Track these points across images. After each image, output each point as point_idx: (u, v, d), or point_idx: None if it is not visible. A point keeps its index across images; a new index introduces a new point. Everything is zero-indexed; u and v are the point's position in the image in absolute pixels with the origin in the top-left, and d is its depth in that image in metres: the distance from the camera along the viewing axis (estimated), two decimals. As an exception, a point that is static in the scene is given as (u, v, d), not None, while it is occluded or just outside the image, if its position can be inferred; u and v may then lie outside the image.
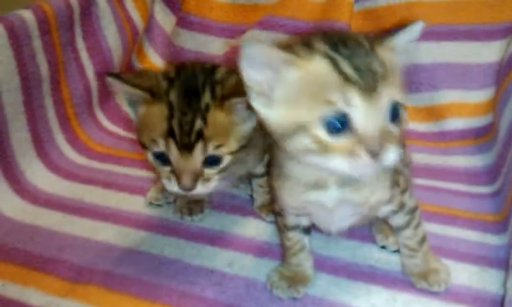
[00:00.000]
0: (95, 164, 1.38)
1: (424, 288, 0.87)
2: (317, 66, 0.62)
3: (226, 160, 0.89)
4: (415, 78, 1.45)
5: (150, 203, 1.17)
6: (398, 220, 0.85)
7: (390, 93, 0.62)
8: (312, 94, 0.62)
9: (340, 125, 0.61)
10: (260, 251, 1.00)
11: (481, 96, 1.41)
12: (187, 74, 0.90)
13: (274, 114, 0.65)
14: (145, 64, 1.76)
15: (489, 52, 1.42)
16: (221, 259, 0.98)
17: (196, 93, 0.86)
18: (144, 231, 1.08)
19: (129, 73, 0.89)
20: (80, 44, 1.46)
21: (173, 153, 0.86)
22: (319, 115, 0.61)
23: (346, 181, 0.73)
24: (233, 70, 0.93)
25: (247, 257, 0.99)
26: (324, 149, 0.62)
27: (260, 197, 1.12)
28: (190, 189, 0.88)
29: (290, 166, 0.75)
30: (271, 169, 0.82)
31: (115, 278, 0.94)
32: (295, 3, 1.61)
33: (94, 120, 1.53)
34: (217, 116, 0.85)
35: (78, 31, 1.44)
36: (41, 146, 1.32)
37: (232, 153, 0.88)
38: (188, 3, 1.74)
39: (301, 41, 0.65)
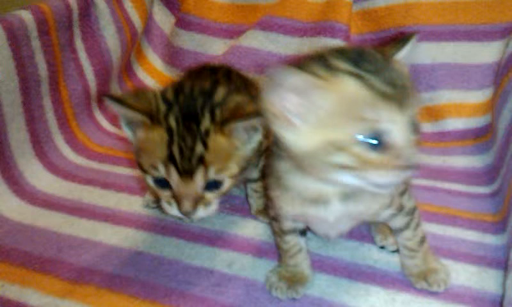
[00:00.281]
0: (94, 165, 1.38)
1: (423, 288, 0.87)
2: (346, 86, 0.61)
3: (227, 183, 0.88)
4: (414, 78, 1.45)
5: (147, 206, 1.17)
6: (397, 222, 0.85)
7: (414, 105, 0.64)
8: (346, 114, 0.61)
9: (377, 140, 0.61)
10: (260, 251, 1.00)
11: (480, 96, 1.41)
12: (185, 97, 0.89)
13: (304, 139, 0.64)
14: (144, 65, 1.77)
15: (488, 53, 1.43)
16: (220, 259, 0.98)
17: (195, 117, 0.85)
18: (144, 231, 1.08)
19: (128, 94, 0.88)
20: (79, 45, 1.46)
21: (174, 178, 0.85)
22: (357, 133, 0.61)
23: (349, 195, 0.73)
24: (233, 89, 0.94)
25: (246, 257, 0.99)
26: (363, 165, 0.62)
27: (255, 203, 1.11)
28: (191, 214, 0.87)
29: (291, 179, 0.75)
30: (268, 178, 0.81)
31: (114, 279, 0.94)
32: (294, 4, 1.61)
33: (93, 121, 1.53)
34: (217, 141, 0.84)
35: (77, 32, 1.45)
36: (40, 146, 1.32)
37: (233, 176, 0.88)
38: (187, 3, 1.74)
39: (317, 62, 0.64)
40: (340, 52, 0.65)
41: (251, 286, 0.91)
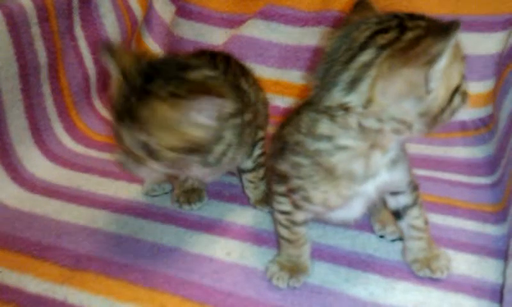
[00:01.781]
0: (93, 153, 1.37)
1: (425, 276, 0.87)
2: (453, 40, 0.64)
3: (166, 154, 0.84)
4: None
5: (147, 193, 1.16)
6: (406, 198, 0.85)
7: None
8: (456, 59, 0.68)
9: None
10: (259, 239, 1.00)
11: (481, 87, 1.41)
12: (161, 61, 0.90)
13: (434, 98, 0.66)
14: (144, 54, 1.76)
15: (489, 44, 1.42)
16: (219, 247, 0.98)
17: (151, 78, 0.84)
18: (143, 219, 1.08)
19: (125, 51, 0.89)
20: (79, 32, 1.45)
21: (114, 122, 0.87)
22: (462, 73, 0.69)
23: (394, 162, 0.76)
24: (220, 76, 0.94)
25: (245, 245, 0.98)
26: (465, 99, 0.70)
27: (252, 193, 1.11)
28: (127, 167, 0.89)
29: (344, 160, 0.73)
30: (292, 169, 0.78)
31: (113, 265, 0.94)
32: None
33: (92, 109, 1.52)
34: (159, 108, 0.81)
35: (77, 19, 1.44)
36: (39, 134, 1.32)
37: (174, 150, 0.84)
38: (188, -8, 1.73)
39: (423, 32, 0.65)
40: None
41: (251, 273, 0.91)
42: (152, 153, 0.84)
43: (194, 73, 0.87)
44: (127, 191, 1.18)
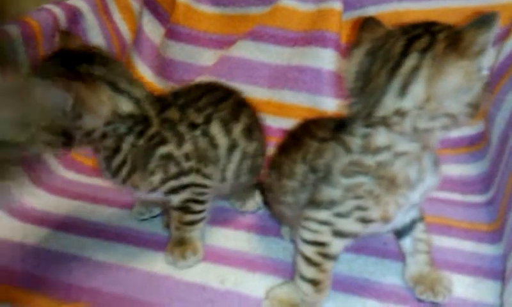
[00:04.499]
0: (83, 179, 1.35)
1: (428, 299, 0.86)
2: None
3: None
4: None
5: (135, 218, 1.15)
6: (416, 212, 0.87)
7: None
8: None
9: None
10: (253, 265, 0.98)
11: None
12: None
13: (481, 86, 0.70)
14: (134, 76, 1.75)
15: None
16: (212, 275, 0.96)
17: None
18: (134, 246, 1.06)
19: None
20: (68, 57, 1.44)
21: None
22: None
23: (436, 163, 0.81)
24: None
25: (239, 272, 0.97)
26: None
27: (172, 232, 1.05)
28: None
29: (400, 166, 0.75)
30: (336, 195, 0.78)
31: (104, 296, 0.92)
32: (285, 13, 1.60)
33: (82, 134, 1.50)
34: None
35: (65, 44, 1.42)
36: (28, 161, 1.30)
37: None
38: (176, 14, 1.73)
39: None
40: None
41: (245, 301, 0.89)
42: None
43: (89, 67, 0.88)
44: (118, 218, 1.16)
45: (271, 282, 0.92)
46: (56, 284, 0.96)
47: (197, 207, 1.01)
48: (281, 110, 1.56)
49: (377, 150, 0.74)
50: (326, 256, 0.81)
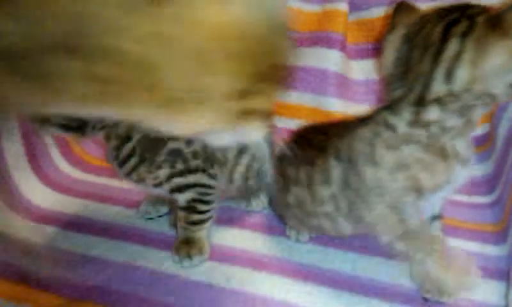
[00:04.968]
0: (90, 178, 1.36)
1: (433, 298, 0.86)
2: None
3: None
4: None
5: (142, 217, 1.16)
6: (438, 208, 0.92)
7: None
8: None
9: None
10: (259, 264, 0.99)
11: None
12: None
13: None
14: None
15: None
16: (219, 273, 0.97)
17: None
18: (141, 245, 1.06)
19: None
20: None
21: None
22: None
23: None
24: None
25: (245, 271, 0.97)
26: None
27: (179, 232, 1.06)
28: None
29: (449, 139, 0.78)
30: (384, 173, 0.82)
31: (112, 294, 0.93)
32: (290, 14, 1.60)
33: (89, 133, 1.51)
34: None
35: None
36: (36, 159, 1.31)
37: None
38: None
39: None
40: None
41: (251, 300, 0.90)
42: None
43: None
44: (125, 216, 1.17)
45: (276, 281, 0.93)
46: (62, 283, 0.96)
47: (203, 207, 1.01)
48: (286, 110, 1.56)
49: (428, 124, 0.77)
50: (412, 226, 0.84)
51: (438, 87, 0.74)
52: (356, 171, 0.85)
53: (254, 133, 0.65)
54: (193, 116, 0.54)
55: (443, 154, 0.78)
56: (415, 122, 0.78)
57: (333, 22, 1.55)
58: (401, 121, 0.79)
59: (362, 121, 0.87)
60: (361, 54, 1.56)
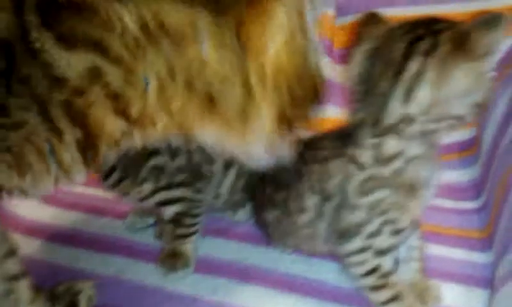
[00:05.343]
0: (77, 189, 1.35)
1: None
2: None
3: None
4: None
5: (128, 228, 1.15)
6: None
7: None
8: None
9: None
10: (245, 276, 0.98)
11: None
12: None
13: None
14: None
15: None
16: (204, 285, 0.97)
17: None
18: (127, 258, 1.06)
19: None
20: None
21: None
22: None
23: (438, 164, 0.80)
24: None
25: (231, 283, 0.97)
26: None
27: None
28: None
29: (414, 170, 0.75)
30: (361, 218, 0.78)
31: (97, 308, 0.92)
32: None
33: (76, 143, 1.50)
34: None
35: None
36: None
37: None
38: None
39: None
40: None
41: (237, 312, 0.90)
42: None
43: None
44: (112, 228, 1.16)
45: (263, 292, 0.93)
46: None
47: (189, 221, 1.01)
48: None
49: (390, 159, 0.73)
50: (386, 274, 0.80)
51: (395, 110, 0.69)
52: (331, 206, 0.83)
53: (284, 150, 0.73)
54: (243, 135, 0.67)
55: (412, 189, 0.75)
56: (378, 160, 0.74)
57: (320, 26, 1.54)
58: (365, 156, 0.75)
59: (334, 146, 0.83)
60: (348, 59, 1.56)
